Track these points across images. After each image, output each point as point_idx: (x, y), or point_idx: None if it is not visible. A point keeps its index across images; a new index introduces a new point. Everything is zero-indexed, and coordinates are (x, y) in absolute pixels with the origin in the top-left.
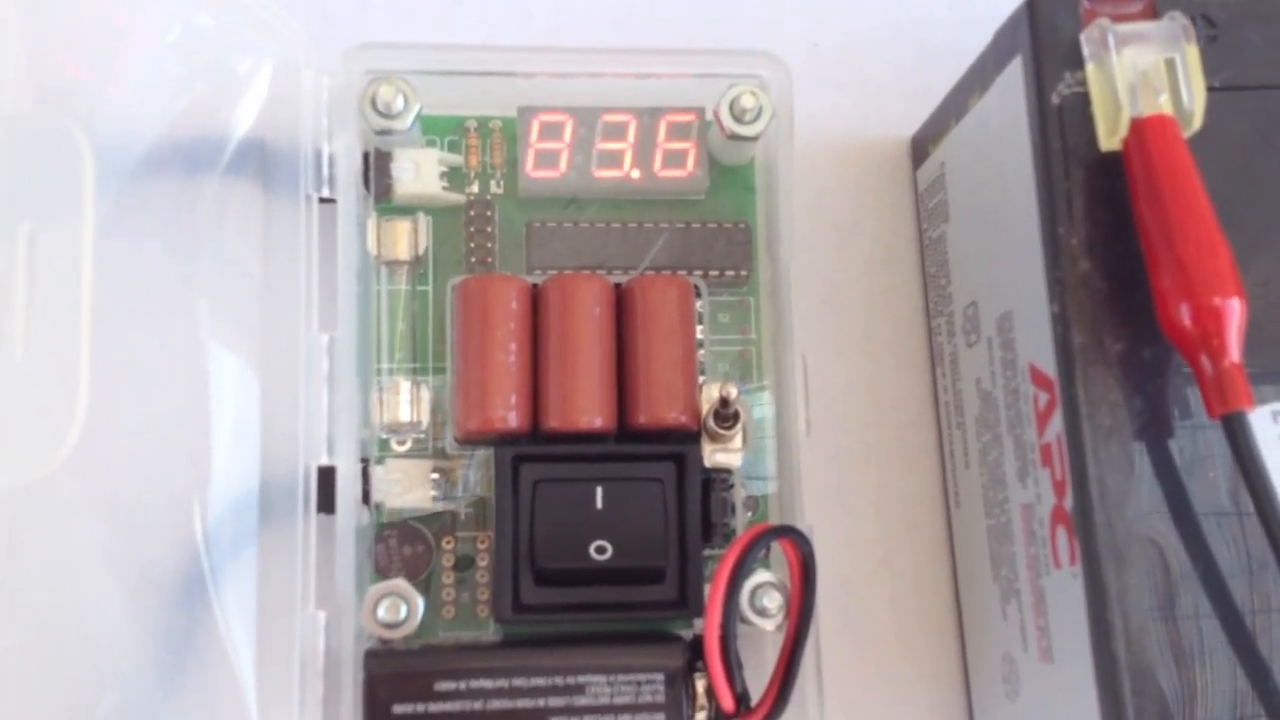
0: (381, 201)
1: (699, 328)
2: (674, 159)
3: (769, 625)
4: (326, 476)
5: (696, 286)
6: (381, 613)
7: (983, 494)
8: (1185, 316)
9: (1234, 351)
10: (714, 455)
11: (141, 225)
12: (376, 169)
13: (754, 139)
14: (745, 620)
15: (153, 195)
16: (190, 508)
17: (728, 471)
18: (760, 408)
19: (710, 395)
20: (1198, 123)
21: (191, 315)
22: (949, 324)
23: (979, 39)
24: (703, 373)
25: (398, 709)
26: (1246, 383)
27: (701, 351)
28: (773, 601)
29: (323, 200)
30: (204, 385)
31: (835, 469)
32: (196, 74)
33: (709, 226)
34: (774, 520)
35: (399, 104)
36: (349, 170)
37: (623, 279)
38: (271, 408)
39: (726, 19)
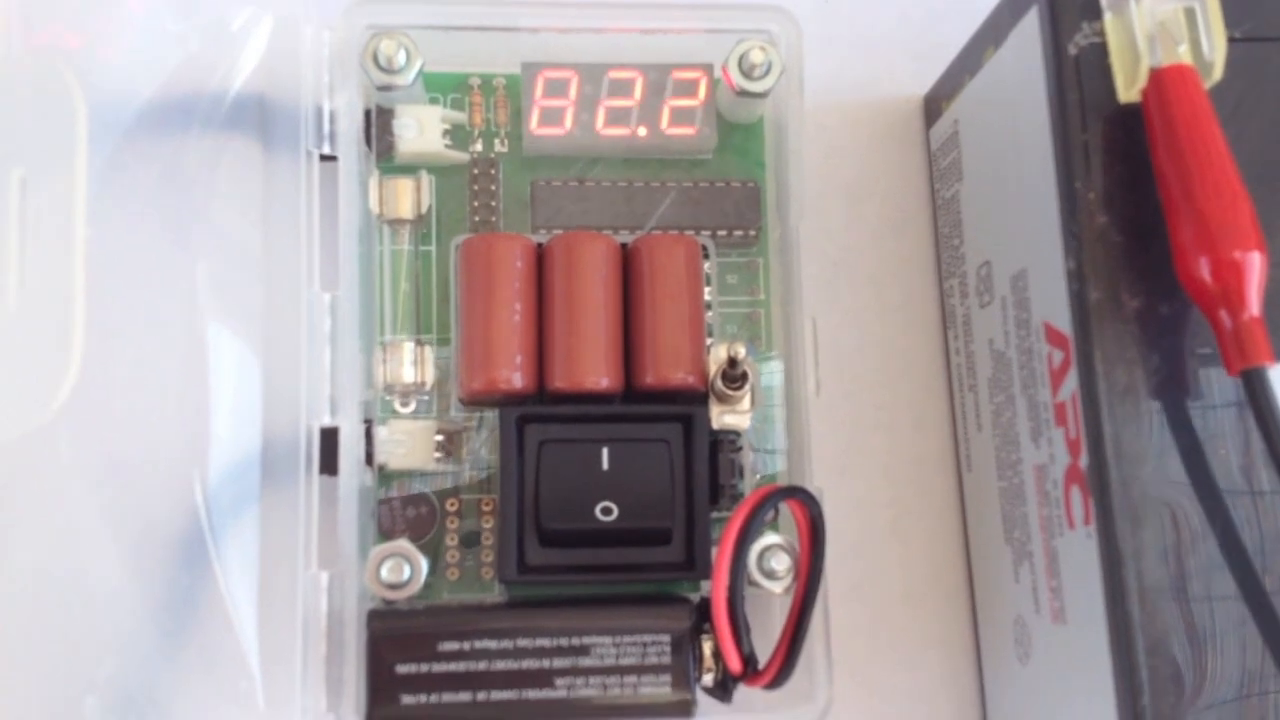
0: (384, 159)
1: (707, 288)
2: (682, 116)
3: (777, 588)
4: (329, 437)
5: (704, 246)
6: (385, 573)
7: (995, 456)
8: (1204, 270)
9: (1254, 306)
10: (722, 417)
11: (137, 180)
12: (378, 126)
13: (763, 95)
14: (753, 583)
15: (149, 151)
16: (190, 468)
17: (736, 433)
18: (769, 370)
19: (718, 356)
20: (1218, 74)
21: (189, 272)
22: (962, 285)
23: None
24: (711, 334)
25: (401, 669)
26: (1267, 338)
27: (710, 313)
28: (781, 564)
29: (324, 158)
30: (202, 343)
31: (846, 433)
32: (194, 29)
33: (717, 185)
34: (783, 483)
35: (401, 59)
36: (350, 127)
37: (629, 239)
38: (273, 367)
39: None
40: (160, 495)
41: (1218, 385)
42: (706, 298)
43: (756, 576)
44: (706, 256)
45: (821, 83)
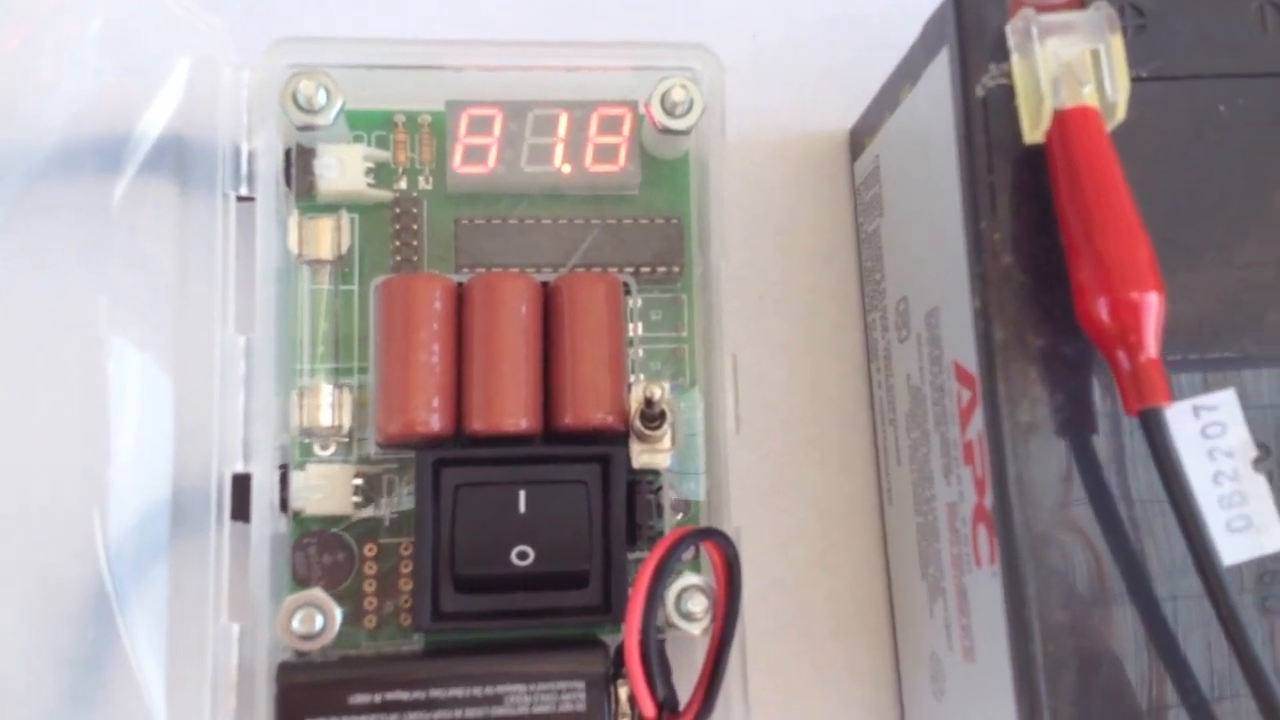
0: (304, 199)
1: (631, 325)
2: (606, 153)
3: (695, 629)
4: (241, 483)
5: (627, 284)
6: (296, 624)
7: (913, 491)
8: (1103, 311)
9: (1151, 347)
10: (641, 456)
11: (47, 224)
12: (299, 165)
13: (685, 133)
14: (672, 625)
15: (61, 193)
16: (92, 518)
17: (655, 473)
18: (692, 407)
19: (637, 396)
20: (1121, 114)
21: (94, 317)
22: (883, 319)
23: (916, 32)
24: (636, 371)
25: None
26: (1165, 378)
27: (635, 350)
28: (698, 605)
29: (241, 198)
30: (106, 390)
31: (772, 467)
32: (113, 68)
33: (641, 222)
34: (703, 522)
35: (321, 99)
36: (269, 167)
37: (554, 276)
38: (185, 413)
39: (665, 8)
40: (61, 547)
41: (1120, 423)
42: (631, 335)
43: (675, 619)
44: (629, 293)
45: (749, 118)
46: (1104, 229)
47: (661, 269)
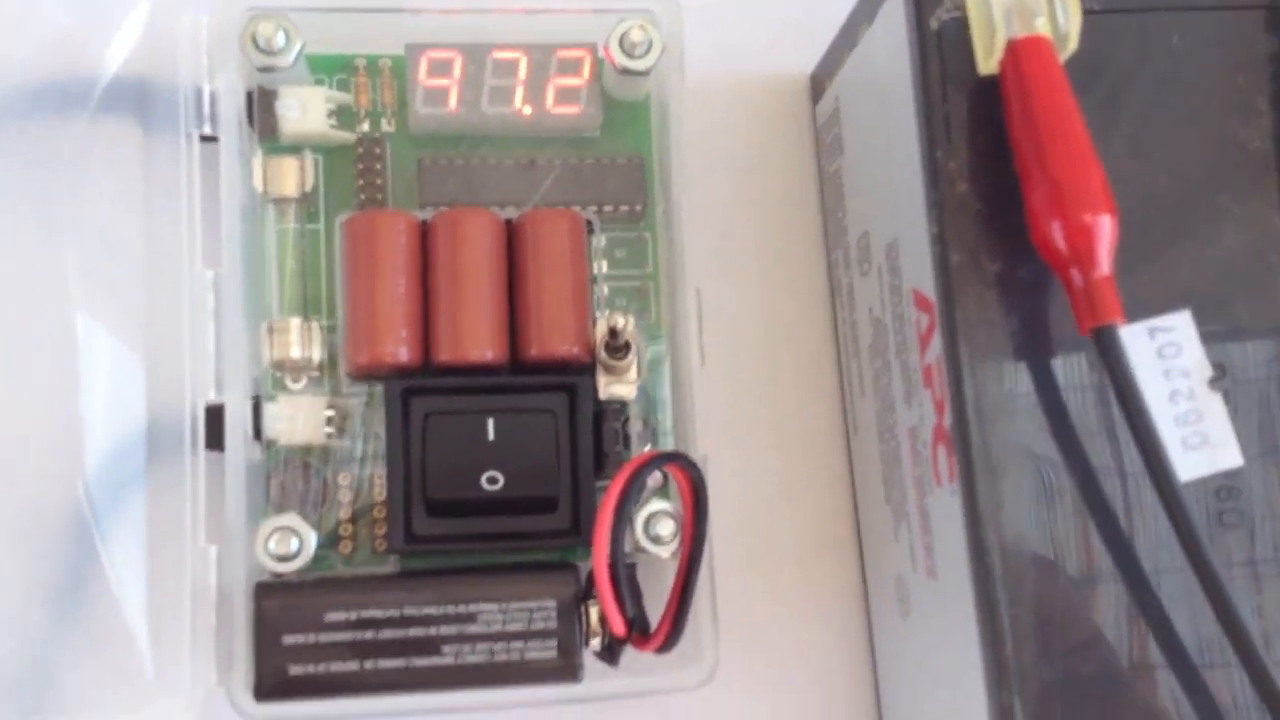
0: (267, 139)
1: (596, 263)
2: (567, 95)
3: (664, 553)
4: (215, 414)
5: (590, 222)
6: (273, 546)
7: (876, 420)
8: (1057, 233)
9: (1104, 265)
10: (609, 387)
11: (10, 165)
12: (260, 107)
13: (645, 74)
14: (641, 549)
15: (20, 134)
16: (68, 450)
17: (622, 403)
18: (658, 342)
19: (601, 328)
20: (1073, 44)
21: (60, 257)
22: (845, 256)
23: None
24: (602, 308)
25: (288, 639)
26: (1117, 296)
27: (600, 287)
28: (666, 529)
29: (204, 138)
30: (74, 327)
31: (738, 401)
32: (67, 10)
33: (603, 162)
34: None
35: (280, 40)
36: (231, 109)
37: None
38: (156, 347)
39: None
40: (41, 477)
41: (1076, 345)
42: (596, 272)
43: (644, 543)
44: (593, 232)
45: (711, 61)
46: (1056, 153)
47: (624, 207)
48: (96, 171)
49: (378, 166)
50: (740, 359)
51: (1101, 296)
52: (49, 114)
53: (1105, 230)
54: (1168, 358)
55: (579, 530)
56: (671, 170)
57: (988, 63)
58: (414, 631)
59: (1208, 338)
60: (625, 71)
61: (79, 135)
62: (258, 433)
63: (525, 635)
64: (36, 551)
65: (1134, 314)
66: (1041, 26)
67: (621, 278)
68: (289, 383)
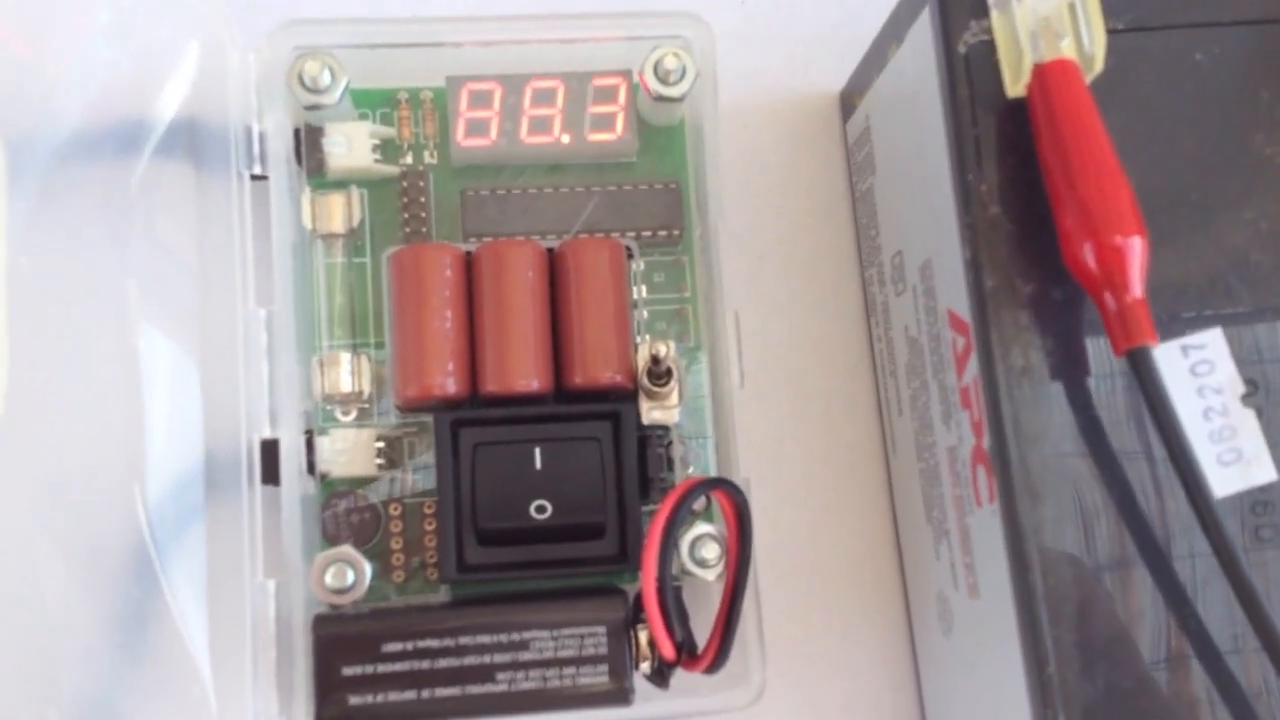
0: (315, 176)
1: (636, 288)
2: (603, 122)
3: (710, 575)
4: (270, 449)
5: (629, 247)
6: (329, 579)
7: (914, 439)
8: (1089, 255)
9: (1137, 288)
10: (651, 413)
11: (69, 209)
12: (308, 144)
13: (679, 100)
14: (687, 572)
15: (82, 178)
16: (131, 485)
17: (664, 428)
18: (697, 364)
19: (644, 354)
20: (1099, 65)
21: (123, 296)
22: (879, 274)
23: None
24: (642, 332)
25: (347, 670)
26: (1150, 318)
27: (640, 311)
28: (711, 552)
29: (255, 177)
30: (137, 365)
31: (779, 421)
32: (125, 56)
33: (640, 188)
34: (712, 474)
35: (326, 79)
36: (280, 147)
37: (558, 243)
38: (212, 384)
39: None
40: (104, 512)
41: (1110, 362)
42: (635, 297)
43: (690, 566)
44: (632, 257)
45: (742, 83)
46: (1085, 177)
47: (662, 232)
48: (154, 213)
49: (421, 199)
50: (778, 379)
51: (1135, 319)
52: (109, 157)
53: (1136, 252)
54: (1201, 375)
55: (626, 556)
56: (708, 194)
57: (1015, 86)
58: (469, 660)
59: (1237, 353)
60: (660, 98)
61: (137, 179)
62: (311, 466)
63: (577, 661)
64: (101, 586)
65: (1165, 329)
66: (1067, 48)
67: (661, 302)
68: (339, 415)
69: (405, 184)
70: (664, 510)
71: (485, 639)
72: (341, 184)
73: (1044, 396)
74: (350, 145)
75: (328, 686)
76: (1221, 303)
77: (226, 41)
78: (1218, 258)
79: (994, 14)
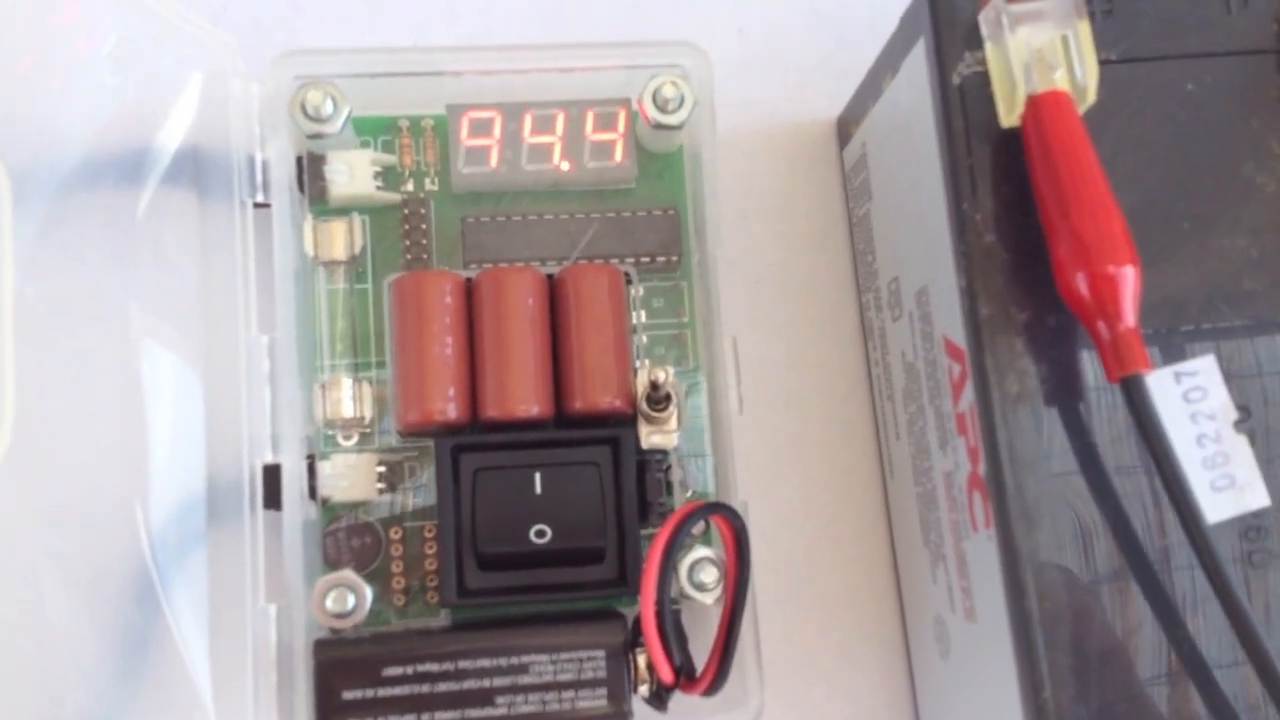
0: (317, 204)
1: (635, 313)
2: (602, 150)
3: (708, 599)
4: (272, 474)
5: (628, 273)
6: (330, 603)
7: (911, 463)
8: (1082, 285)
9: (1129, 317)
10: (650, 437)
11: (74, 237)
12: (310, 172)
13: (678, 127)
14: (686, 595)
15: (87, 206)
16: (133, 510)
17: (663, 453)
18: (696, 389)
19: (643, 380)
20: (1092, 96)
21: (127, 322)
22: (876, 300)
23: (895, 23)
24: (641, 357)
25: (348, 694)
26: (1143, 346)
27: (639, 336)
28: (709, 576)
29: (258, 205)
30: (141, 391)
31: (776, 445)
32: (129, 85)
33: (639, 214)
34: (711, 498)
35: (328, 108)
36: (282, 175)
37: (557, 269)
38: (215, 410)
39: (653, 7)
40: (106, 538)
41: (1105, 389)
42: (634, 322)
43: (688, 589)
44: (630, 283)
45: (739, 111)
46: (1079, 207)
47: (661, 258)
48: (158, 241)
49: (423, 226)
50: (776, 403)
51: (1128, 348)
52: (112, 185)
53: (1128, 281)
54: (1194, 401)
55: (625, 580)
56: (706, 220)
57: (1009, 117)
58: (468, 684)
59: (1230, 379)
60: (659, 126)
61: (141, 207)
62: (313, 491)
63: (576, 685)
64: (103, 610)
65: (1155, 353)
66: (1060, 79)
67: (659, 327)
68: (341, 439)
69: (406, 211)
70: (663, 535)
71: (485, 663)
72: (343, 211)
73: (1039, 423)
74: (352, 173)
75: (328, 710)
76: (1219, 333)
77: (230, 71)
78: (1210, 287)
79: (988, 46)
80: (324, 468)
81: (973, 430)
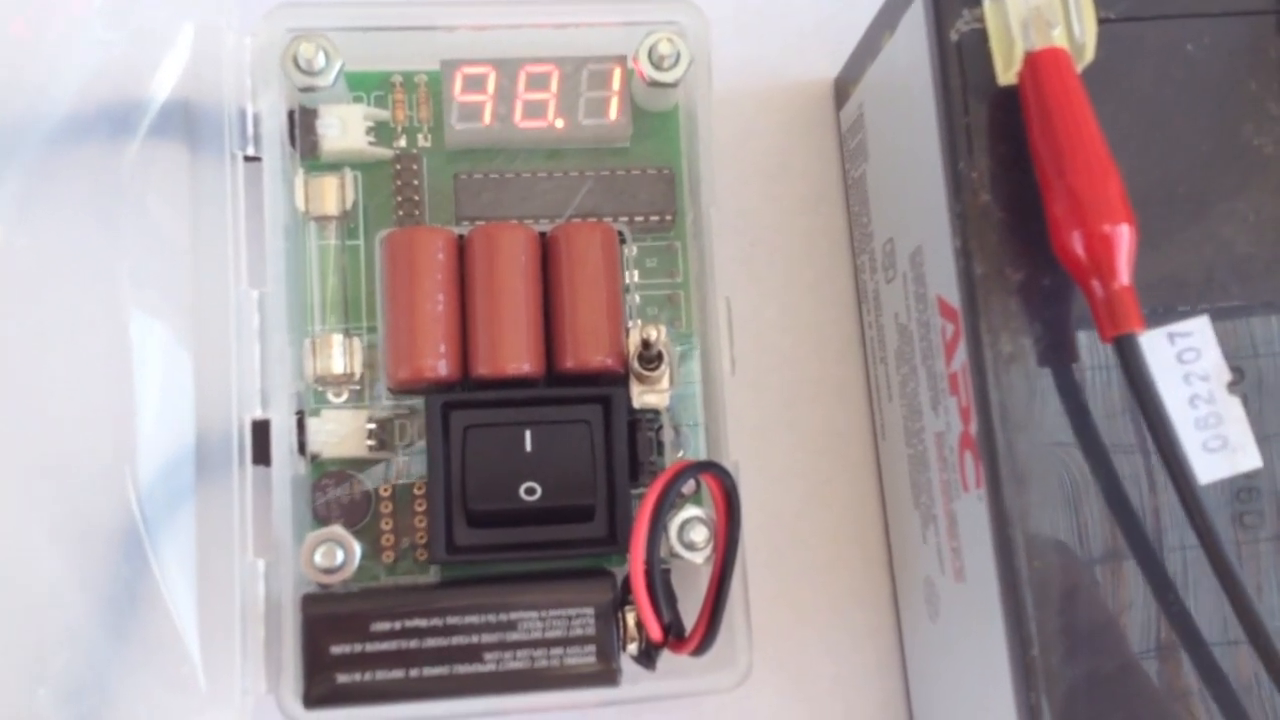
0: (308, 158)
1: (628, 273)
2: (597, 107)
3: (698, 558)
4: (261, 429)
5: (622, 232)
6: (318, 558)
7: (903, 424)
8: (1077, 243)
9: (1124, 275)
10: (642, 396)
11: (62, 190)
12: (302, 126)
13: (674, 85)
14: (675, 555)
15: (75, 159)
16: (122, 465)
17: (655, 412)
18: (688, 349)
19: (635, 339)
20: (1090, 55)
21: (114, 276)
22: (871, 261)
23: None
24: (633, 317)
25: (336, 649)
26: (1137, 305)
27: (632, 296)
28: (699, 535)
29: (249, 159)
30: (129, 345)
31: (768, 405)
32: (120, 38)
33: (633, 173)
34: (702, 457)
35: (320, 61)
36: (274, 128)
37: (551, 227)
38: (204, 364)
39: None
40: (94, 492)
41: (1098, 351)
42: (627, 281)
43: (678, 548)
44: (624, 242)
45: (736, 70)
46: (1075, 165)
47: (655, 218)
48: (147, 194)
49: (415, 182)
50: (769, 364)
51: (1122, 306)
52: (102, 137)
53: (1124, 240)
54: (1187, 362)
55: (615, 538)
56: (700, 180)
57: (1006, 74)
58: (457, 640)
59: (1229, 347)
60: (654, 84)
61: (130, 160)
62: (302, 447)
63: (564, 641)
64: (91, 565)
65: (1152, 318)
66: (1058, 37)
67: (653, 287)
68: (330, 396)
69: (399, 167)
70: (653, 493)
71: (474, 619)
72: (335, 166)
73: (1031, 383)
74: (344, 128)
75: (316, 665)
76: (1214, 296)
77: (221, 24)
78: (1207, 249)
79: (986, 2)
80: (313, 424)
81: (965, 390)
